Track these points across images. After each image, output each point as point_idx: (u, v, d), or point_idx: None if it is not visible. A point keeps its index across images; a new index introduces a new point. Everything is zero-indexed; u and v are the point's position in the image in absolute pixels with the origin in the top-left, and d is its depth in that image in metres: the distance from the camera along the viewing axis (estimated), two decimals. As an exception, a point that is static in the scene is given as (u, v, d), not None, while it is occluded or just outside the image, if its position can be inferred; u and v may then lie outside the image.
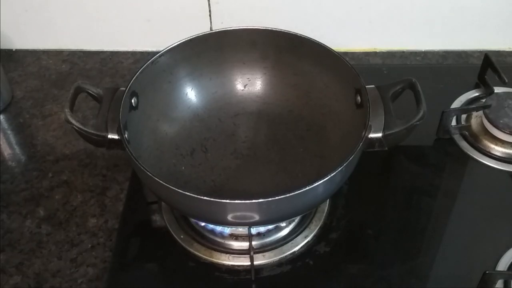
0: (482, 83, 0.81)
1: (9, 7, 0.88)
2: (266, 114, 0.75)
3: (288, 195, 0.53)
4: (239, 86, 0.76)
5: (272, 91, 0.76)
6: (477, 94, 0.81)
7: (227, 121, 0.75)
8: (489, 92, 0.78)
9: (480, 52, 0.89)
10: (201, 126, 0.74)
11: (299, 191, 0.53)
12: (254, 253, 0.61)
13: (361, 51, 0.93)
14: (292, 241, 0.64)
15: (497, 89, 0.78)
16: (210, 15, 0.88)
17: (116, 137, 0.60)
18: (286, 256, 0.63)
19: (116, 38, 0.92)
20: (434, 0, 0.86)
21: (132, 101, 0.64)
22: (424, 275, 0.62)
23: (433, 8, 0.87)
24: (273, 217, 0.59)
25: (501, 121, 0.72)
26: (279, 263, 0.63)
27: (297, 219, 0.66)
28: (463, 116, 0.78)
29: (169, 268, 0.64)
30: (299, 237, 0.65)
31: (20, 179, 0.73)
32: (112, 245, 0.65)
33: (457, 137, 0.75)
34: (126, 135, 0.60)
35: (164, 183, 0.54)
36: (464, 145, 0.74)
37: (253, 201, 0.53)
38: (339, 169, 0.54)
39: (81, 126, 0.60)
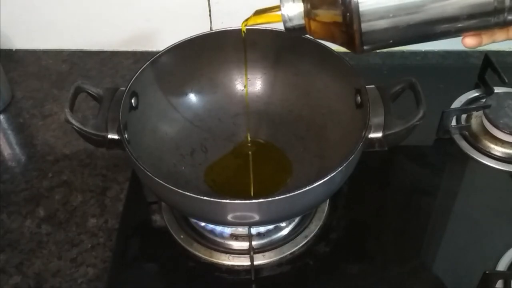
0: (482, 83, 0.81)
1: (9, 7, 0.88)
2: (266, 114, 0.75)
3: (288, 195, 0.53)
4: (239, 86, 0.76)
5: (272, 91, 0.76)
6: (477, 94, 0.81)
7: (227, 121, 0.75)
8: (489, 92, 0.78)
9: (480, 52, 0.89)
10: (201, 126, 0.74)
11: (299, 191, 0.53)
12: (254, 253, 0.62)
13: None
14: (292, 241, 0.64)
15: (497, 89, 0.78)
16: (210, 15, 0.88)
17: (116, 137, 0.60)
18: (286, 256, 0.63)
19: (116, 38, 0.92)
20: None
21: (132, 101, 0.64)
22: (424, 275, 0.62)
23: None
24: (273, 217, 0.59)
25: (501, 121, 0.72)
26: (279, 263, 0.63)
27: (297, 219, 0.66)
28: (463, 116, 0.78)
29: (169, 268, 0.64)
30: (299, 237, 0.65)
31: (20, 179, 0.73)
32: (112, 245, 0.65)
33: (457, 137, 0.75)
34: (126, 135, 0.60)
35: (164, 183, 0.54)
36: (464, 145, 0.74)
37: (253, 201, 0.53)
38: (339, 169, 0.54)
39: (81, 126, 0.60)
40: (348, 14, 0.44)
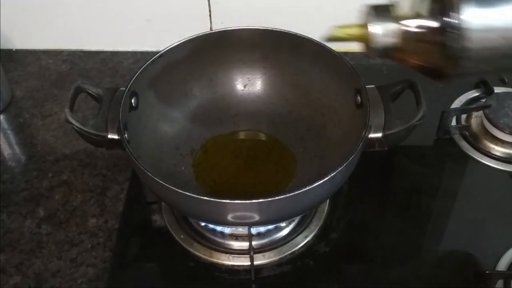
0: (482, 83, 0.81)
1: (9, 7, 0.88)
2: (266, 114, 0.75)
3: (288, 195, 0.53)
4: (239, 86, 0.76)
5: (272, 91, 0.76)
6: (477, 94, 0.81)
7: (227, 121, 0.75)
8: (489, 92, 0.78)
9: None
10: (201, 126, 0.74)
11: (299, 191, 0.53)
12: (254, 253, 0.61)
13: (361, 51, 0.92)
14: (292, 241, 0.64)
15: (497, 89, 0.78)
16: (210, 15, 0.88)
17: (116, 137, 0.60)
18: (286, 256, 0.63)
19: (116, 38, 0.92)
20: (434, 0, 0.86)
21: (132, 101, 0.64)
22: (424, 275, 0.62)
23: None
24: (273, 217, 0.59)
25: (501, 121, 0.72)
26: (279, 263, 0.63)
27: (297, 219, 0.66)
28: (463, 116, 0.78)
29: (169, 268, 0.64)
30: (299, 237, 0.65)
31: (20, 179, 0.73)
32: (112, 245, 0.65)
33: (457, 137, 0.75)
34: (126, 135, 0.60)
35: (164, 183, 0.54)
36: (464, 145, 0.74)
37: (253, 201, 0.53)
38: (339, 169, 0.54)
39: (81, 126, 0.61)
40: (454, 39, 0.40)
